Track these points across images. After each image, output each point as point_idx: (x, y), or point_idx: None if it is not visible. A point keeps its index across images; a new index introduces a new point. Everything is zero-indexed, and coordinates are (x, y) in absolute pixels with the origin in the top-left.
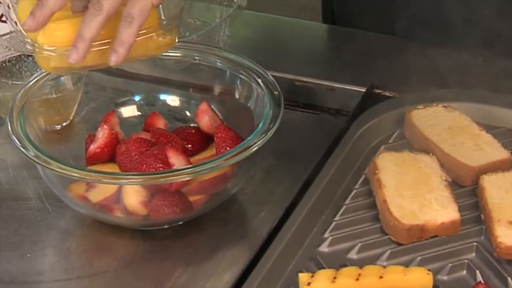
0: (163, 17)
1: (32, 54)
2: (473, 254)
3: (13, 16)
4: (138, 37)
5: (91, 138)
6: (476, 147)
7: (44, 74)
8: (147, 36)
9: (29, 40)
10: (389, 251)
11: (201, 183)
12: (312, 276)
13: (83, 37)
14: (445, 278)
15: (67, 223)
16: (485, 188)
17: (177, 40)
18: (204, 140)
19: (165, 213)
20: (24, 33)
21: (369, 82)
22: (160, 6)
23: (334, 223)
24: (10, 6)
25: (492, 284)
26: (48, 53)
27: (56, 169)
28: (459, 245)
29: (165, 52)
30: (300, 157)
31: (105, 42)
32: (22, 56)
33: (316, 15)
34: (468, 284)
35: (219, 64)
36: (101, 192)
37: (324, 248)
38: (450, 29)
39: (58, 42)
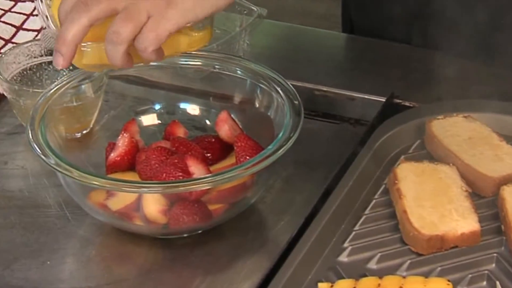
0: None
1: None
2: (493, 265)
3: (45, 10)
4: None
5: (111, 146)
6: (496, 158)
7: (64, 82)
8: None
9: None
10: (408, 261)
11: (221, 192)
12: (332, 286)
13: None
14: None
15: (87, 231)
16: (505, 199)
17: (210, 36)
18: (224, 149)
19: (185, 222)
20: (55, 29)
21: (389, 92)
22: None
23: (353, 232)
24: (43, 0)
25: None
26: (82, 49)
27: (76, 177)
28: (479, 256)
29: (197, 50)
30: (320, 166)
31: None
32: (43, 64)
33: (334, 24)
34: None
35: (239, 73)
36: (121, 200)
37: (343, 257)
38: (470, 38)
39: (91, 37)
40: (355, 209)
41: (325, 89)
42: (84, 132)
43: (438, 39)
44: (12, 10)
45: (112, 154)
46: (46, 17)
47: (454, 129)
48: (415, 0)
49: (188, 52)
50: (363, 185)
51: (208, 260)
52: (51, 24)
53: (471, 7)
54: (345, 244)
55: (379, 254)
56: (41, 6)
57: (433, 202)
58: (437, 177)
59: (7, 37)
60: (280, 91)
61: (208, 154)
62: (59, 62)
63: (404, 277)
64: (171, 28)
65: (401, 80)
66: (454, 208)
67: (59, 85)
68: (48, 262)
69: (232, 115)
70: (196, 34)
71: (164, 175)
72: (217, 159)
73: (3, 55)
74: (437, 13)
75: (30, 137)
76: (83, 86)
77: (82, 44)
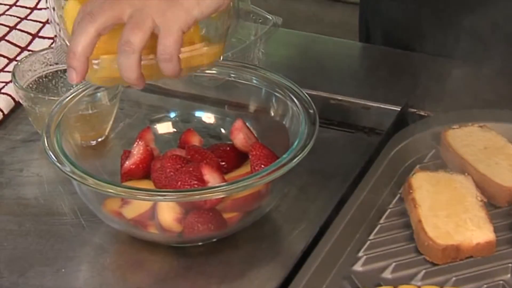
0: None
1: None
2: (508, 276)
3: (56, 19)
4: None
5: (126, 154)
6: None
7: (80, 90)
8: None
9: None
10: (423, 271)
11: (236, 201)
12: None
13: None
14: None
15: (102, 239)
16: None
17: (222, 52)
18: (238, 157)
19: (200, 230)
20: (65, 39)
21: (404, 101)
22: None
23: (368, 242)
24: (58, 17)
25: None
26: (94, 67)
27: (91, 185)
28: (494, 266)
29: (211, 64)
30: (335, 175)
31: (150, 58)
32: (59, 72)
33: (347, 32)
34: None
35: (254, 81)
36: (136, 208)
37: (358, 267)
38: (486, 47)
39: (103, 52)
40: (370, 218)
41: (340, 98)
42: (99, 140)
43: (453, 48)
44: (28, 18)
45: (127, 162)
46: (58, 24)
47: (469, 138)
48: (432, 9)
49: (200, 67)
50: (378, 195)
51: (222, 268)
52: (62, 33)
53: (486, 15)
54: (360, 254)
55: (394, 264)
56: (52, 15)
57: (448, 212)
58: (452, 186)
59: (23, 45)
60: (295, 100)
61: (223, 163)
62: (73, 77)
63: (419, 287)
64: (183, 27)
65: (416, 89)
66: (469, 218)
67: (74, 93)
68: (63, 270)
69: (247, 124)
70: (208, 49)
71: (179, 183)
72: (232, 168)
73: (19, 63)
74: (453, 22)
75: (46, 144)
76: (98, 94)
77: (95, 61)
